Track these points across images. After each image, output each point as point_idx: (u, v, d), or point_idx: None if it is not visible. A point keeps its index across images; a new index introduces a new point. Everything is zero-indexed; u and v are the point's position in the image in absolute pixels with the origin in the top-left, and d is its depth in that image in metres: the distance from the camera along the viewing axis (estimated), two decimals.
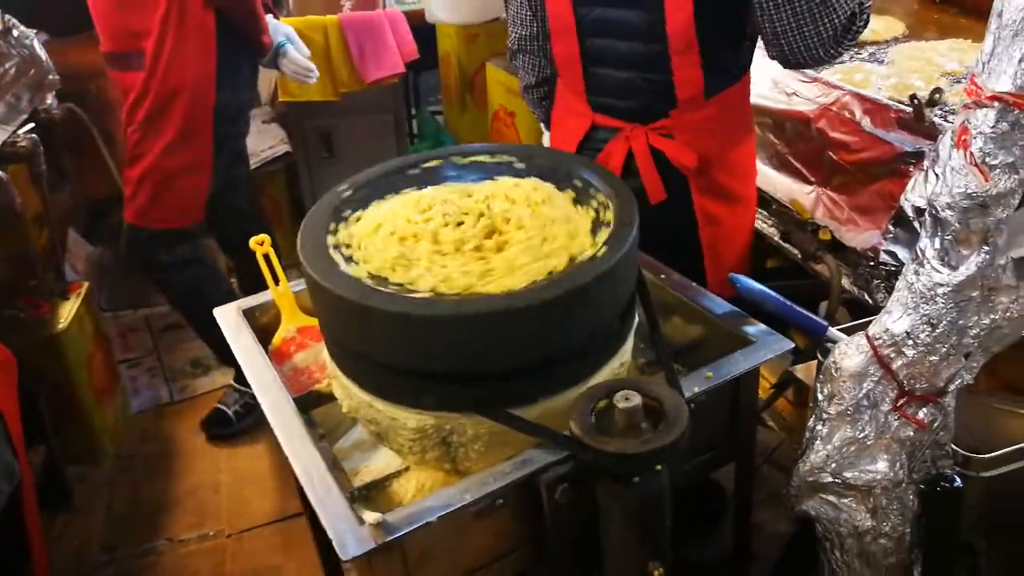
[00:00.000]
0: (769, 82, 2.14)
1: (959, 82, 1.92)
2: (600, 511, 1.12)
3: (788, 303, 1.38)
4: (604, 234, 1.17)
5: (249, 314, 1.52)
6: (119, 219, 2.34)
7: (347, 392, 1.26)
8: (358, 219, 1.27)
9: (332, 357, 1.27)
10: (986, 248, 1.00)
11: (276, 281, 1.54)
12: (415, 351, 1.09)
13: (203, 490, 2.38)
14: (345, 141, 3.20)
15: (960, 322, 1.05)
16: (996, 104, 0.94)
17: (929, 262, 1.05)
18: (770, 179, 2.11)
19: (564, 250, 1.15)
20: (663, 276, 1.51)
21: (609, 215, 1.21)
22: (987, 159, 0.95)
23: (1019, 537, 1.30)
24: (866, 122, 1.83)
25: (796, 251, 1.99)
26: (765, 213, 2.17)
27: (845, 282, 1.83)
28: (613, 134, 1.66)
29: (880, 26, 2.36)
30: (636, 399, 1.05)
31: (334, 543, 1.03)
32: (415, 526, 1.04)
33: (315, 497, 1.09)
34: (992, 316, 1.04)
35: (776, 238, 2.08)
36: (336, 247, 1.20)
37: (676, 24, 1.47)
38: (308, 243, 1.19)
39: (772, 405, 1.88)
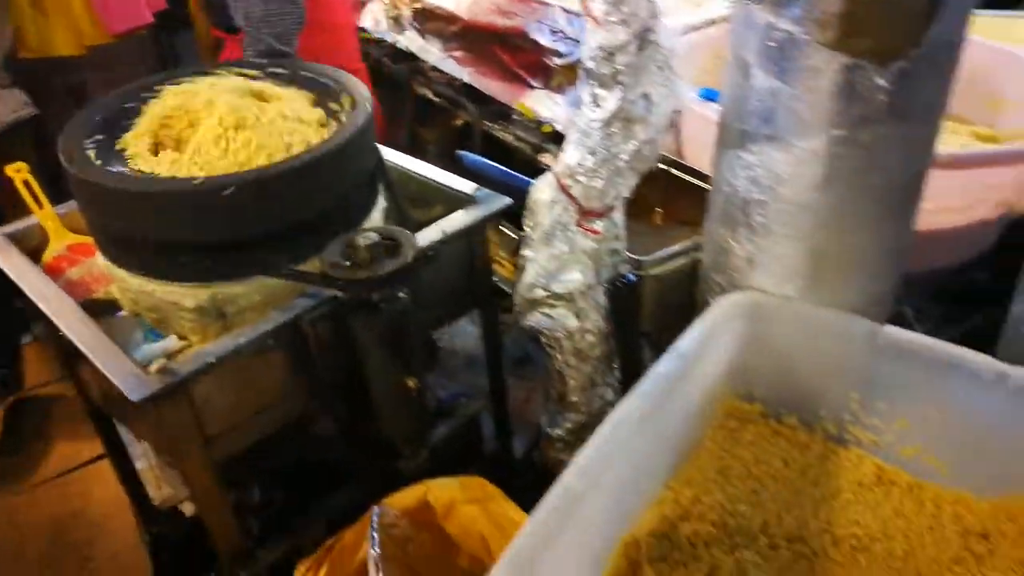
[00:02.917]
0: (490, 3, 2.42)
1: None
2: (357, 342, 1.35)
3: (504, 169, 1.67)
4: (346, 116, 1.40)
5: (13, 238, 1.59)
6: None
7: (125, 285, 1.39)
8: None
9: (105, 254, 1.39)
10: (620, 88, 1.31)
11: (40, 205, 1.61)
12: (191, 226, 1.27)
13: None
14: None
15: (612, 149, 1.36)
16: None
17: (585, 105, 1.35)
18: (501, 89, 2.40)
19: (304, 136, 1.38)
20: (399, 162, 1.74)
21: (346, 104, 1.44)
22: (606, 17, 1.25)
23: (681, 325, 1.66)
24: (570, 30, 2.16)
25: (527, 147, 2.30)
26: (503, 123, 2.47)
27: None
28: None
29: None
30: (374, 236, 1.29)
31: (122, 387, 1.16)
32: (197, 367, 1.21)
33: (98, 357, 1.23)
34: (633, 142, 1.37)
35: (511, 140, 2.39)
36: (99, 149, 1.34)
37: None
38: (69, 147, 1.32)
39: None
